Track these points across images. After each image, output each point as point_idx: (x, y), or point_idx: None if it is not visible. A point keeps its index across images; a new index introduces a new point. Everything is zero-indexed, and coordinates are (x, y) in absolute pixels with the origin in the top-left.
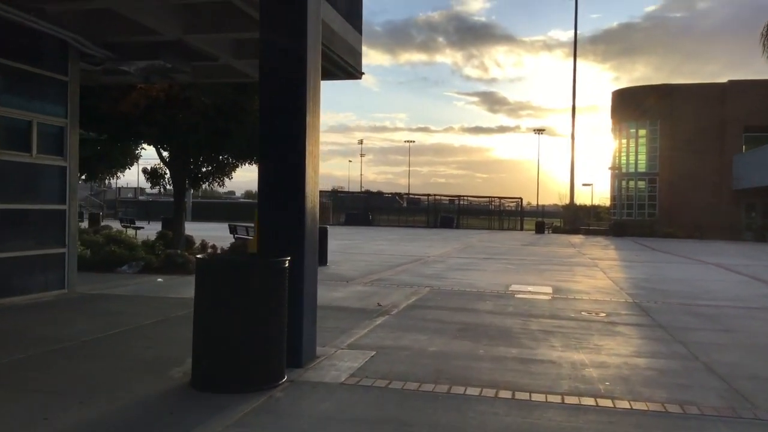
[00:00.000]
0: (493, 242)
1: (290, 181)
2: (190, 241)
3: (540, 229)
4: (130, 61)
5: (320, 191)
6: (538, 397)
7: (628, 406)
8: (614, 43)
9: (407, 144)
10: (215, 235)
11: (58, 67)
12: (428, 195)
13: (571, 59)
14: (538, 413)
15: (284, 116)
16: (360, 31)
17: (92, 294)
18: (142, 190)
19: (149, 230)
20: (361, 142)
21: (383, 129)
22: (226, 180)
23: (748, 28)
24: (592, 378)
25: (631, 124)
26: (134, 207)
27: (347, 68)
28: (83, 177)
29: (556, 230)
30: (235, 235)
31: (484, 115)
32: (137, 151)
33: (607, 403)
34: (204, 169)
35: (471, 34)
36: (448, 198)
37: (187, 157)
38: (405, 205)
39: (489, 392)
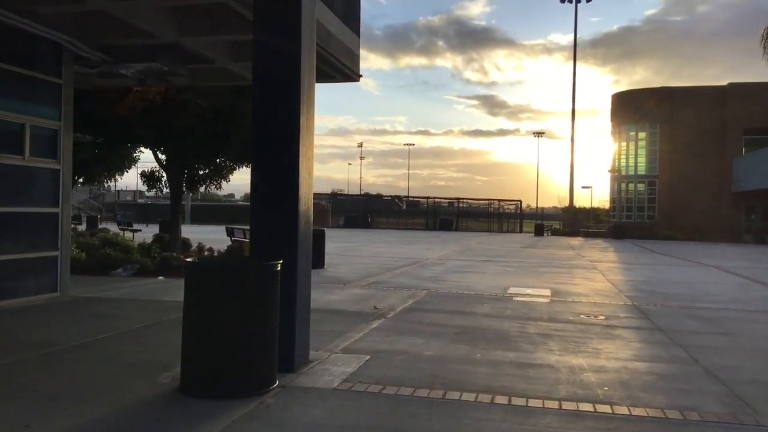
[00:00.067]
0: (492, 245)
1: (284, 183)
2: (186, 243)
3: (539, 231)
4: (126, 63)
5: (320, 194)
6: (535, 403)
7: (627, 412)
8: (614, 46)
9: (407, 147)
10: (213, 237)
11: (51, 69)
12: (427, 198)
13: (571, 63)
14: (534, 419)
15: (278, 118)
16: (357, 33)
17: (85, 297)
18: (141, 193)
19: (147, 233)
20: (360, 145)
21: (383, 132)
22: (226, 183)
23: (749, 32)
24: (591, 383)
25: (630, 127)
26: (133, 210)
27: (344, 70)
28: (81, 180)
29: (556, 233)
30: (233, 238)
31: (484, 119)
32: (135, 155)
33: (606, 408)
34: (201, 172)
35: (471, 38)
36: (447, 201)
37: (183, 160)
38: (404, 207)
39: (485, 398)
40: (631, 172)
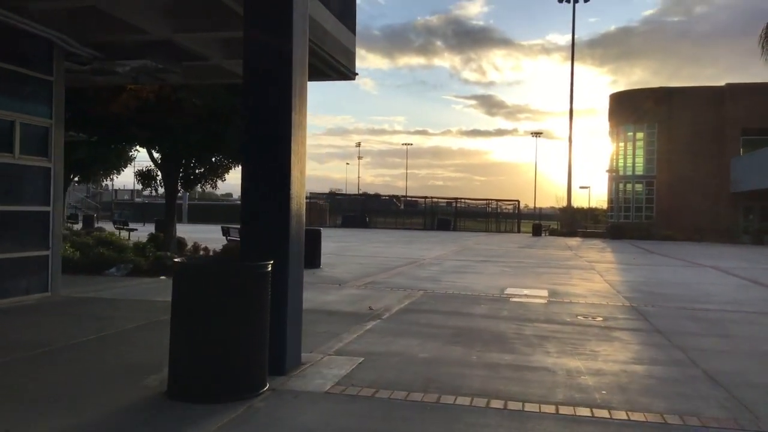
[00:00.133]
0: (490, 245)
1: (275, 181)
2: (182, 243)
3: (537, 231)
4: (118, 61)
5: (317, 193)
6: (531, 407)
7: (626, 417)
8: (612, 47)
9: (405, 147)
10: (209, 237)
11: (42, 66)
12: (425, 197)
13: (569, 63)
14: (531, 425)
15: (268, 114)
16: (353, 32)
17: (77, 297)
18: (138, 192)
19: (143, 232)
20: (358, 144)
21: (381, 132)
22: (222, 182)
23: (747, 32)
24: (588, 386)
25: (628, 127)
26: (130, 209)
27: (340, 68)
28: (77, 179)
29: (553, 233)
30: (228, 238)
31: (482, 119)
32: (131, 153)
33: (604, 413)
34: (197, 171)
35: (469, 38)
36: (445, 200)
37: (178, 159)
38: (402, 207)
39: (480, 402)
40: (629, 173)
